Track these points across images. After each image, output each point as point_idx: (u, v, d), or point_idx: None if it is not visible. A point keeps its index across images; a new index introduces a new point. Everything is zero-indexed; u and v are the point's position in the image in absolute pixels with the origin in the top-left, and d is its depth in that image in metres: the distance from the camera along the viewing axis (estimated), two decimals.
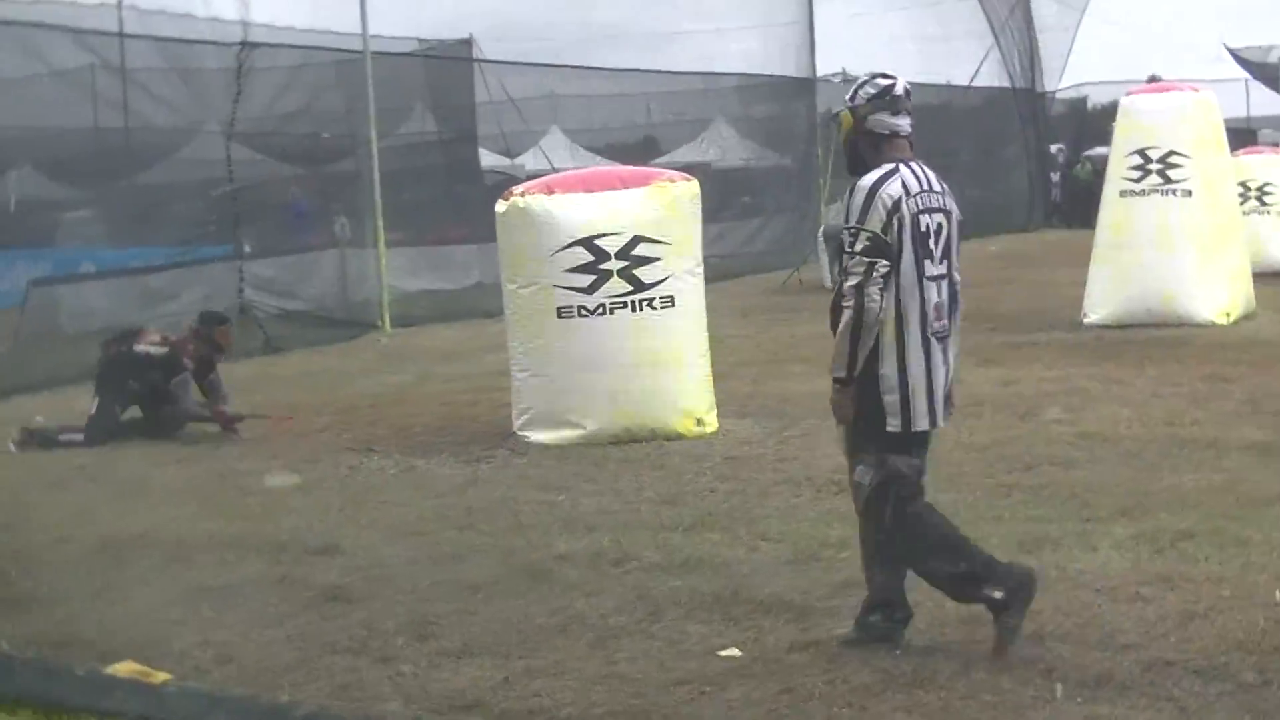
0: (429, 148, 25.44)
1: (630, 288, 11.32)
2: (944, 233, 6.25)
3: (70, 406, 14.22)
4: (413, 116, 25.24)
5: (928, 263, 6.14)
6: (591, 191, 11.57)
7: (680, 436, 11.32)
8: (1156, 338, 15.47)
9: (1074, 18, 36.83)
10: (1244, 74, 38.44)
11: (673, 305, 11.42)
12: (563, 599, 7.31)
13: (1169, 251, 16.49)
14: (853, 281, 6.03)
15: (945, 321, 6.23)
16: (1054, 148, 39.28)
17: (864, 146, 6.37)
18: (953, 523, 6.42)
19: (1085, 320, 16.92)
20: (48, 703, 6.33)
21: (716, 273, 22.64)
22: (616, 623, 6.89)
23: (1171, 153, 16.70)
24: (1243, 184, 21.08)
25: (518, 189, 11.86)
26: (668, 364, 11.42)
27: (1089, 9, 36.72)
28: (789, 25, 29.55)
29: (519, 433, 11.60)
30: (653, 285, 11.35)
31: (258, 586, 7.81)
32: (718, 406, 11.73)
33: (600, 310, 11.30)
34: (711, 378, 11.70)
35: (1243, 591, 6.89)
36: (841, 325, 6.06)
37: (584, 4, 26.69)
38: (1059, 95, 39.03)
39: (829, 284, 23.21)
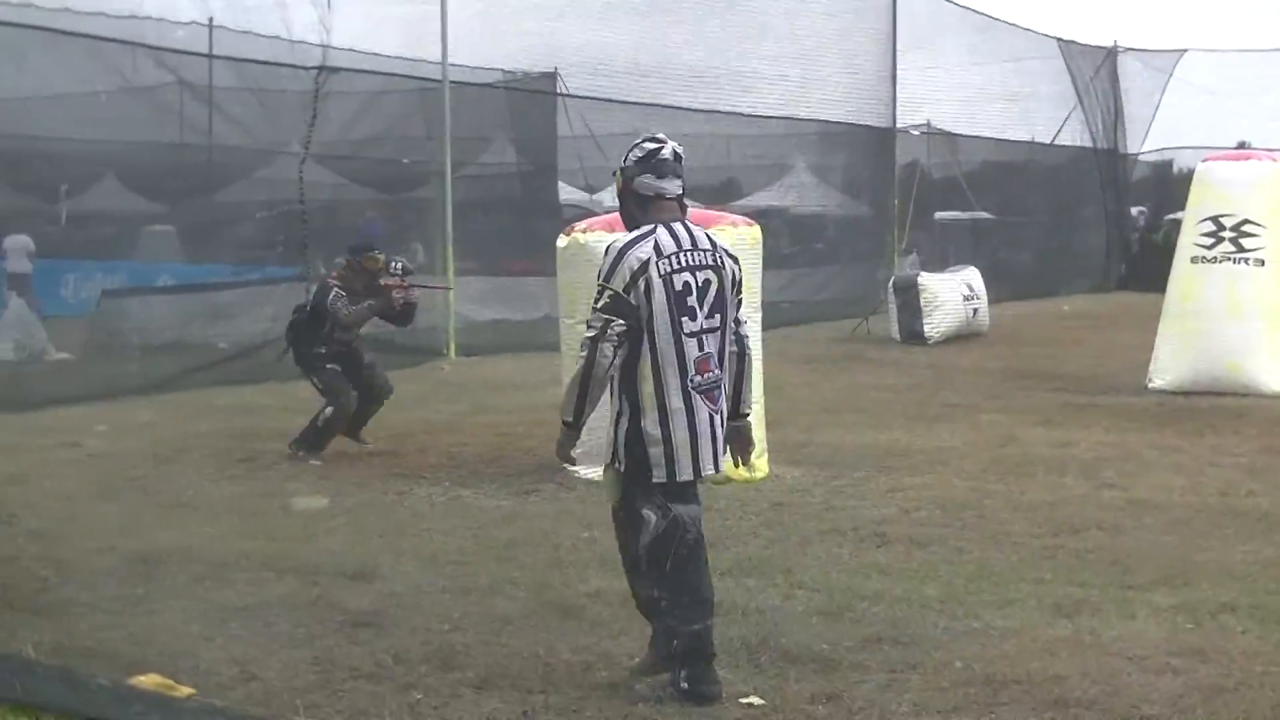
0: (508, 179, 25.55)
1: None
2: (711, 288, 6.41)
3: (132, 418, 14.40)
4: (493, 147, 25.34)
5: (686, 319, 6.33)
6: None
7: (729, 480, 11.21)
8: (1219, 406, 15.30)
9: (1160, 80, 36.64)
10: None
11: None
12: (590, 637, 7.30)
13: (1238, 320, 16.33)
14: (589, 334, 6.27)
15: (714, 373, 6.40)
16: (1135, 210, 39.04)
17: (632, 206, 6.58)
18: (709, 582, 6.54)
19: (1150, 385, 16.76)
20: (68, 711, 6.37)
21: (786, 318, 22.65)
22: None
23: (1246, 221, 16.55)
24: None
25: (580, 225, 11.88)
26: None
27: (1175, 72, 36.51)
28: (872, 76, 29.55)
29: (569, 467, 11.59)
30: None
31: (289, 607, 7.85)
32: (769, 452, 11.69)
33: None
34: (764, 423, 11.64)
35: (1277, 667, 6.79)
36: (574, 374, 6.34)
37: (670, 44, 26.76)
38: (1142, 158, 38.78)
39: (897, 335, 23.20)
